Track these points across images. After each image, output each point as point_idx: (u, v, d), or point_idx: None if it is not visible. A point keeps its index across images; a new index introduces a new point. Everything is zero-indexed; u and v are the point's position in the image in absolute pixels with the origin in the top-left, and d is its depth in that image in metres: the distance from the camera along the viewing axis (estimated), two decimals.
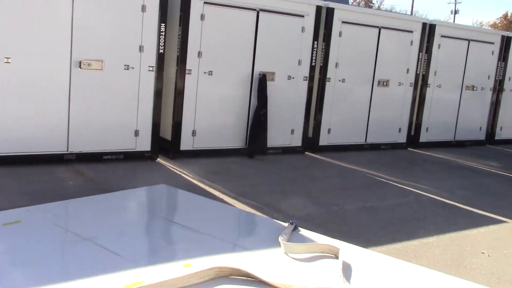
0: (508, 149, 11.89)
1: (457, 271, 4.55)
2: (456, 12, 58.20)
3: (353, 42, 9.38)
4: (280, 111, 8.66)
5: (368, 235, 5.34)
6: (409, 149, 10.61)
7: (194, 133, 7.91)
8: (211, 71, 7.89)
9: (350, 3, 39.50)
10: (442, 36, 10.65)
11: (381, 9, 46.36)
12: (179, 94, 7.69)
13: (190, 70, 7.71)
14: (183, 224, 2.23)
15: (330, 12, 9.00)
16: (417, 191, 7.35)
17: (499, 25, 56.95)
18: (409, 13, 45.12)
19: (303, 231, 2.06)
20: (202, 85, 7.84)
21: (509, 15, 58.92)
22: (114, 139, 7.23)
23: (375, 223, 5.74)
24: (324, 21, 8.97)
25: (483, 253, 5.08)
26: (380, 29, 9.68)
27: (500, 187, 8.17)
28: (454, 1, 56.83)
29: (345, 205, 6.32)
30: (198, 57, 7.73)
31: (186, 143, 7.89)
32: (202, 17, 7.66)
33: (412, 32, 10.18)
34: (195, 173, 7.12)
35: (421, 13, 60.65)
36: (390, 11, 36.58)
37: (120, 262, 2.11)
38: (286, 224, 2.03)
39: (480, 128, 12.04)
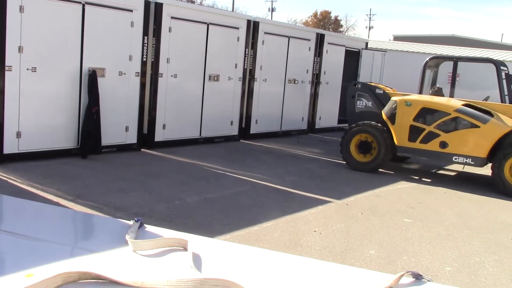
0: (327, 137, 13.12)
1: (295, 249, 4.94)
2: (273, 10, 62.07)
3: (183, 38, 9.49)
4: (113, 108, 8.41)
5: (212, 225, 5.51)
6: (241, 140, 11.11)
7: (19, 134, 7.30)
8: (35, 68, 7.34)
9: None
10: (265, 33, 11.31)
11: (203, 5, 47.26)
12: None
13: (11, 66, 7.08)
14: (17, 233, 2.03)
15: (158, 7, 8.98)
16: (252, 180, 7.75)
17: (310, 22, 62.12)
18: (230, 9, 46.75)
19: (149, 227, 2.05)
20: (25, 82, 7.26)
21: (318, 14, 64.61)
22: None
23: (217, 213, 5.94)
24: (153, 16, 8.92)
25: (315, 231, 5.59)
26: (208, 25, 9.94)
27: (323, 171, 9.00)
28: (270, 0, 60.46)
29: (186, 198, 6.42)
30: (19, 52, 7.14)
31: (10, 146, 7.25)
32: (21, 9, 7.08)
33: (238, 28, 10.64)
34: (24, 178, 6.59)
35: (241, 10, 63.35)
36: (213, 7, 37.45)
37: None
38: (131, 222, 2.01)
39: (303, 118, 13.09)
